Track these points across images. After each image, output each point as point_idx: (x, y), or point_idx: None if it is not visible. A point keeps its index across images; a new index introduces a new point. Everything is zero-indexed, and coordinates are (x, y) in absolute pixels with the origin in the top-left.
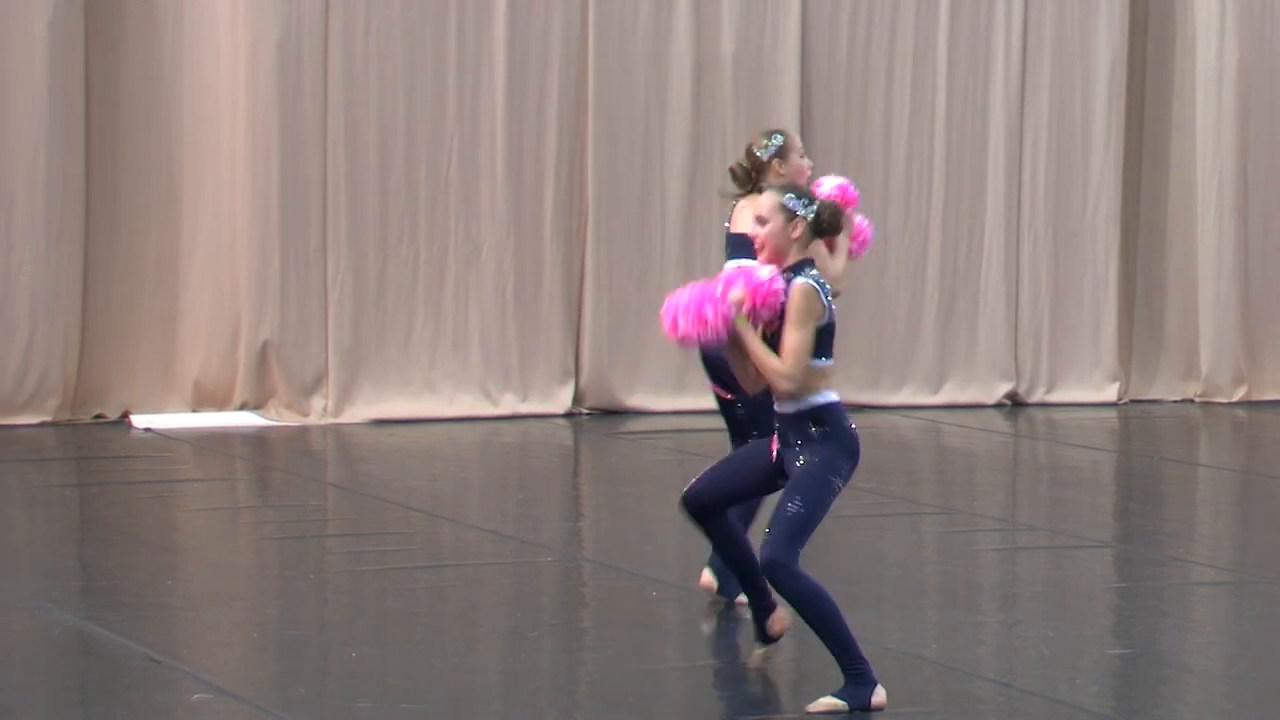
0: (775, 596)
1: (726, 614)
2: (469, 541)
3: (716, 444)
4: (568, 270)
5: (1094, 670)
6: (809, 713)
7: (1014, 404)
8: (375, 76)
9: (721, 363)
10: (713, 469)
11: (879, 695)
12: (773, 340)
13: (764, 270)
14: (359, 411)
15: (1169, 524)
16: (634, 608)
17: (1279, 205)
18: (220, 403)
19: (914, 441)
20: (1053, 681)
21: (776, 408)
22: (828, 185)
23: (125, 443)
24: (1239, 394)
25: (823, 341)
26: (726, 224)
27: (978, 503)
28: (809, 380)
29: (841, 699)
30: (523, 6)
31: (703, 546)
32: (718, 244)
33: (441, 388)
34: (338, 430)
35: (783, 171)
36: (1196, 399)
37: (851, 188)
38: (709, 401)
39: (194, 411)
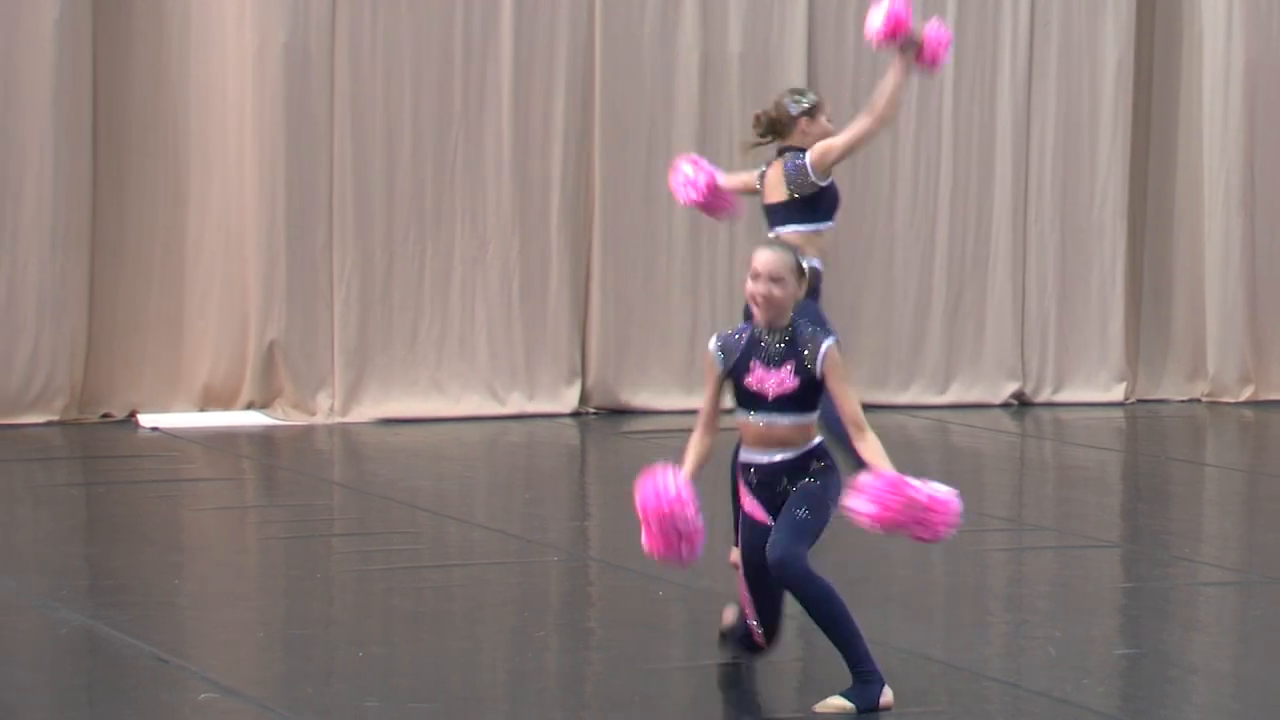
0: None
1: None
2: (475, 541)
3: (722, 444)
4: (574, 269)
5: (1101, 670)
6: (816, 713)
7: (1021, 404)
8: (382, 76)
9: None
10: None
11: (886, 695)
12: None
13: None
14: (365, 411)
15: (1176, 524)
16: (640, 607)
17: None
18: (227, 402)
19: (921, 441)
20: (1059, 682)
21: (764, 459)
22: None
23: (132, 442)
24: (1246, 394)
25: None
26: (757, 186)
27: (985, 503)
28: (812, 430)
29: (849, 699)
30: (529, 5)
31: (714, 546)
32: (724, 243)
33: (448, 387)
34: (344, 429)
35: (809, 130)
36: (1203, 399)
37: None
38: None
39: (201, 411)
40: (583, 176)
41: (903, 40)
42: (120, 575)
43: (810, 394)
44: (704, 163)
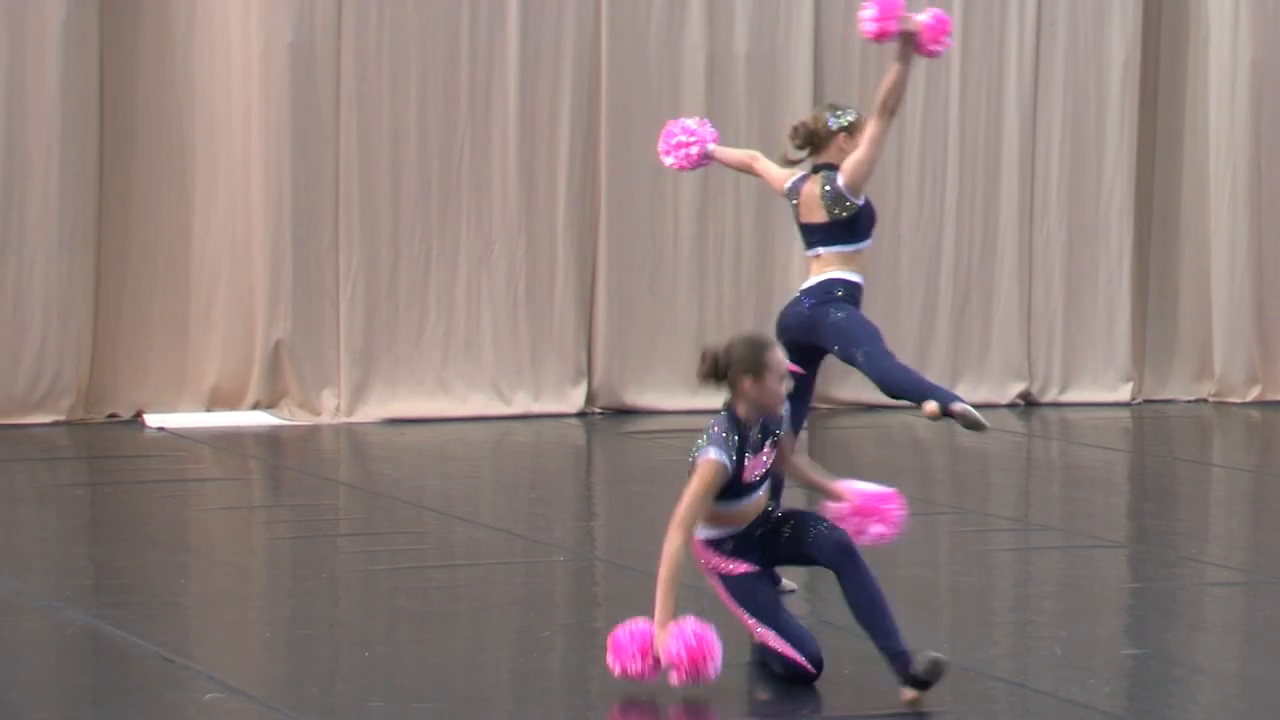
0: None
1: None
2: (481, 541)
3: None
4: (580, 269)
5: (1107, 670)
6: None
7: (1027, 404)
8: (388, 75)
9: (797, 331)
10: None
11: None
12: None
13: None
14: (371, 411)
15: (1182, 524)
16: (646, 608)
17: None
18: (233, 402)
19: (927, 441)
20: (1065, 682)
21: (744, 527)
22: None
23: (138, 442)
24: (1253, 394)
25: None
26: (791, 202)
27: (991, 503)
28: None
29: (908, 675)
30: (535, 5)
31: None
32: (731, 243)
33: (454, 387)
34: (350, 429)
35: (845, 147)
36: (1210, 399)
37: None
38: (722, 401)
39: (207, 411)
40: (589, 176)
41: (897, 32)
42: (125, 575)
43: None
44: (704, 129)
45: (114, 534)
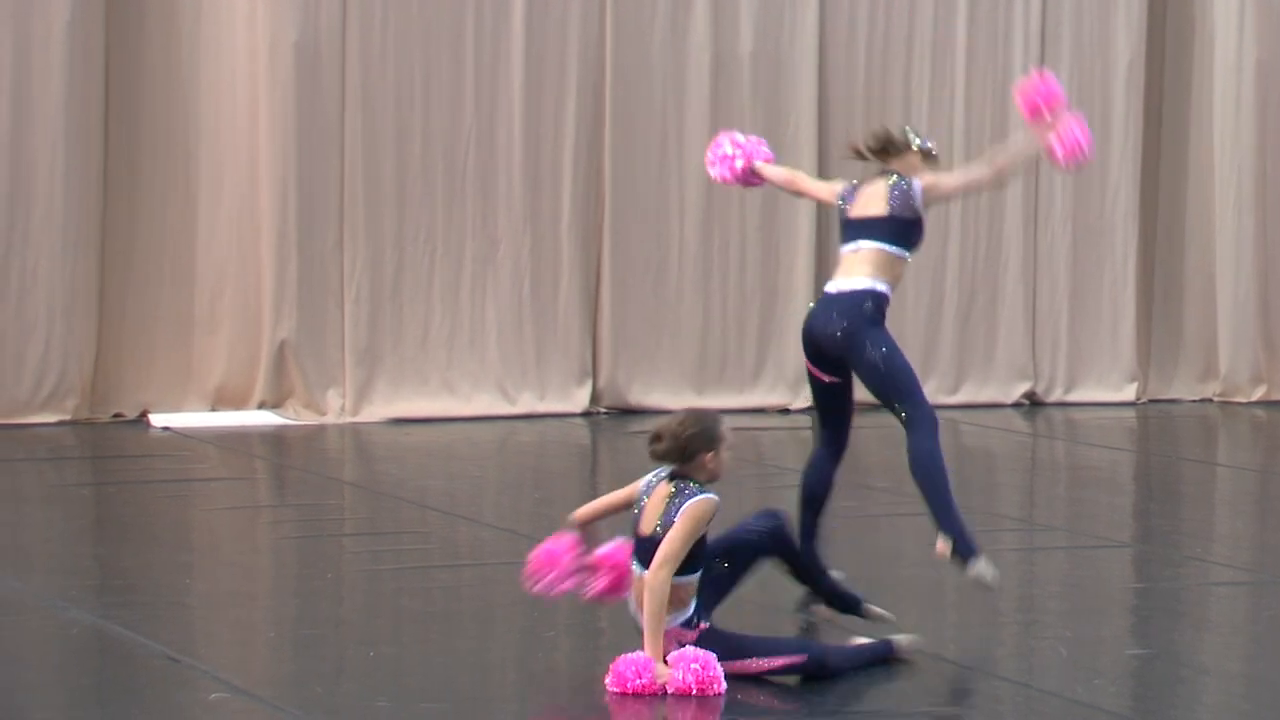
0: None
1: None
2: (486, 541)
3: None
4: (585, 268)
5: (1112, 670)
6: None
7: (1032, 404)
8: (393, 75)
9: (830, 349)
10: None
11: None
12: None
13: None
14: (376, 410)
15: (1187, 524)
16: None
17: None
18: (238, 402)
19: None
20: (1070, 682)
21: (635, 616)
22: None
23: (143, 442)
24: (1258, 394)
25: (695, 555)
26: (842, 204)
27: (996, 503)
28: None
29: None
30: (540, 5)
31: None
32: (736, 243)
33: (459, 387)
34: (355, 429)
35: (917, 167)
36: (1215, 398)
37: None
38: (728, 400)
39: (212, 411)
40: (594, 176)
41: (1047, 118)
42: (131, 575)
43: None
44: (754, 145)
45: (119, 534)
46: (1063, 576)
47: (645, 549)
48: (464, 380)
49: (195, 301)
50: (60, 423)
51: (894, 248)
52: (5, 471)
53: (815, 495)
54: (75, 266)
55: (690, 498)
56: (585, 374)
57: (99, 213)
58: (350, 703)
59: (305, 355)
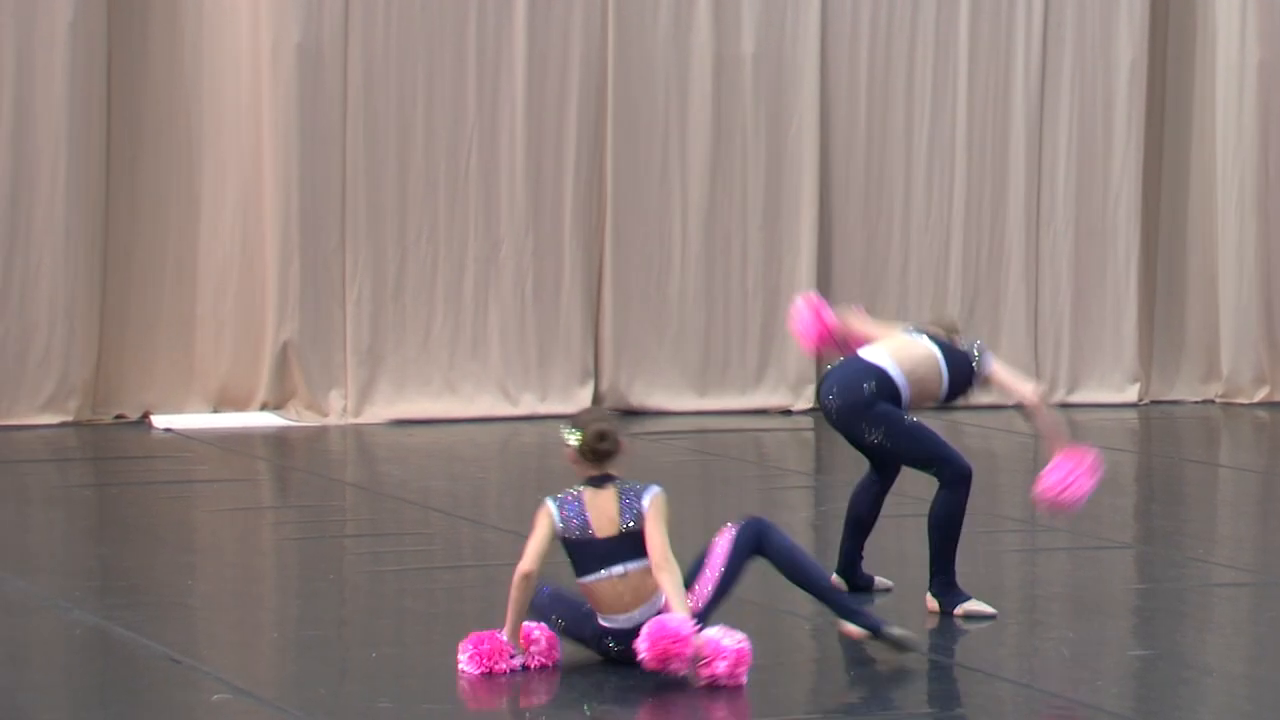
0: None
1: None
2: (488, 542)
3: (736, 445)
4: (587, 269)
5: (1114, 672)
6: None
7: None
8: (395, 76)
9: (860, 407)
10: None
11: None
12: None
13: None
14: (378, 411)
15: (1190, 525)
16: None
17: None
18: (241, 403)
19: None
20: (1073, 683)
21: (607, 623)
22: None
23: (145, 443)
24: (1260, 395)
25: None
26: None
27: (998, 504)
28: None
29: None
30: (542, 6)
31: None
32: (738, 244)
33: (461, 388)
34: (357, 430)
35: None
36: (1217, 400)
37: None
38: (730, 402)
39: (214, 412)
40: (596, 177)
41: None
42: (133, 576)
43: None
44: (823, 310)
45: (122, 535)
46: (1065, 578)
47: (613, 548)
48: (466, 381)
49: (197, 302)
50: (63, 424)
51: (947, 373)
52: (8, 473)
53: (862, 520)
54: (77, 268)
55: (641, 493)
56: (587, 375)
57: (101, 214)
58: (353, 704)
59: (308, 356)
